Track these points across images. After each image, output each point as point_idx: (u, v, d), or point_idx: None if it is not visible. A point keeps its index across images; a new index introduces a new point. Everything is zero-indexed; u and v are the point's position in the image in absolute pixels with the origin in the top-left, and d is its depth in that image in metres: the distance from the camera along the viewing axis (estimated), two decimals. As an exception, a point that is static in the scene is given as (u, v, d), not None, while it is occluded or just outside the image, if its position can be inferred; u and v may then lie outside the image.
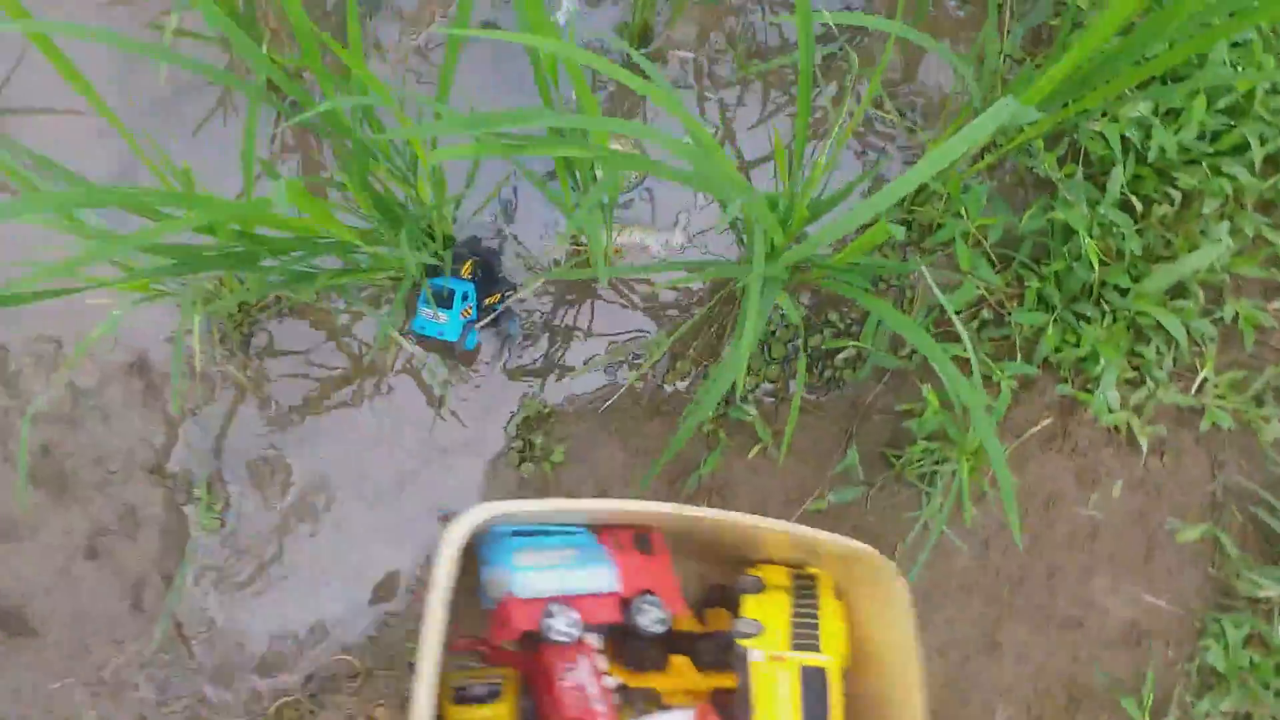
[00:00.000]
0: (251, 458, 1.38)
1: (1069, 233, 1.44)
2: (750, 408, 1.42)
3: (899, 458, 1.42)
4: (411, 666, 1.30)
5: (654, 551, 1.17)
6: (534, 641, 1.09)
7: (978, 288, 1.43)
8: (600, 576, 1.10)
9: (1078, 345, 1.41)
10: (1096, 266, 1.37)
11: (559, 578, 1.08)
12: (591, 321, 1.47)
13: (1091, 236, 1.39)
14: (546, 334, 1.46)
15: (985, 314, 1.47)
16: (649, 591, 1.14)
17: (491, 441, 1.42)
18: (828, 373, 1.46)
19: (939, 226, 1.47)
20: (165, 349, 1.39)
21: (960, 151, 0.83)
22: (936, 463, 1.39)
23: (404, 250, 1.05)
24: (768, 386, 1.46)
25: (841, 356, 1.46)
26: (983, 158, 1.43)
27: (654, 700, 1.15)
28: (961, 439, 1.31)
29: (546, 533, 1.13)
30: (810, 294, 1.50)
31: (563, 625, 1.06)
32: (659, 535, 1.19)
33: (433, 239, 1.31)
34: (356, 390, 1.41)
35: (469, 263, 1.33)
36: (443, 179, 1.23)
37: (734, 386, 1.44)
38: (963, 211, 1.42)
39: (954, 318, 1.18)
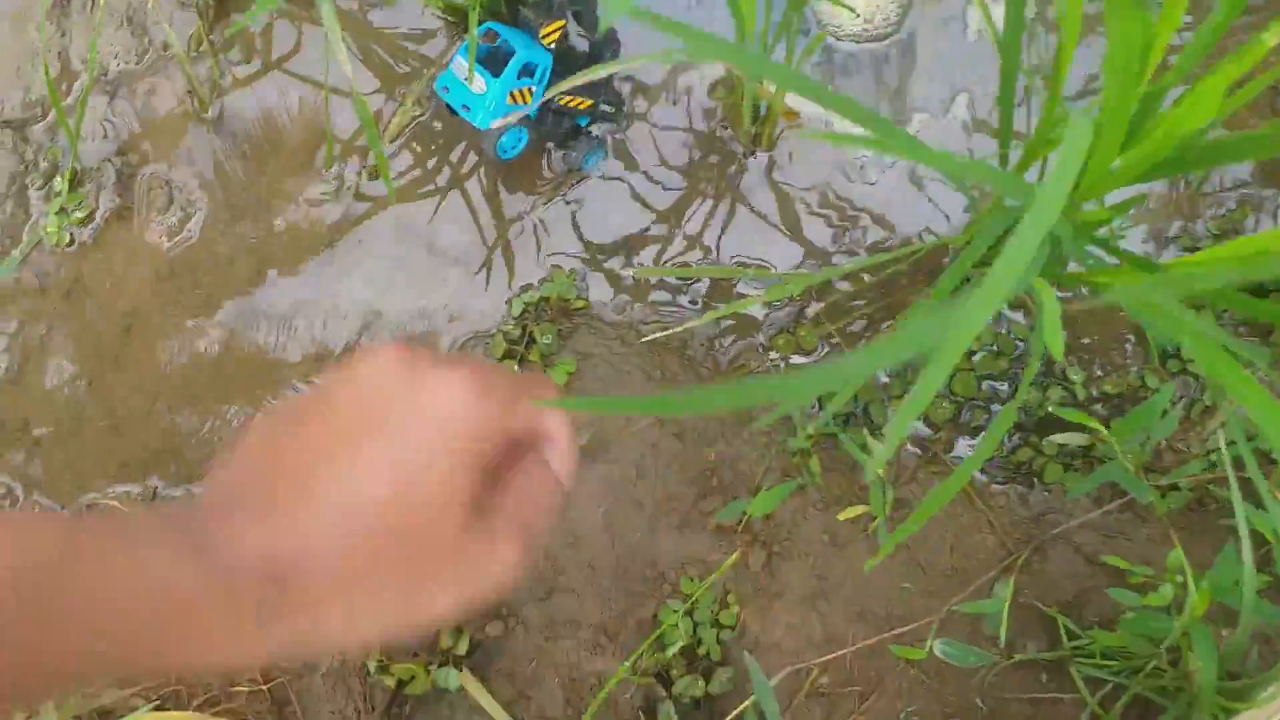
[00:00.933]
0: (154, 173, 0.91)
1: None
2: (881, 446, 0.85)
3: (1074, 637, 0.83)
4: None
5: None
6: None
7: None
8: None
9: None
10: None
11: None
12: (716, 206, 0.92)
13: None
14: (630, 185, 0.92)
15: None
16: None
17: (478, 304, 0.91)
18: (1024, 453, 0.88)
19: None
20: (109, -32, 0.92)
21: None
22: (1132, 676, 0.80)
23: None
24: (922, 429, 0.89)
25: (1058, 439, 0.87)
26: None
27: None
28: (1213, 683, 0.71)
29: None
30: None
31: None
32: None
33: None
34: (329, 148, 0.92)
35: (558, 24, 0.79)
36: None
37: (867, 404, 0.88)
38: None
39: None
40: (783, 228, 0.92)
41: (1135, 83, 0.45)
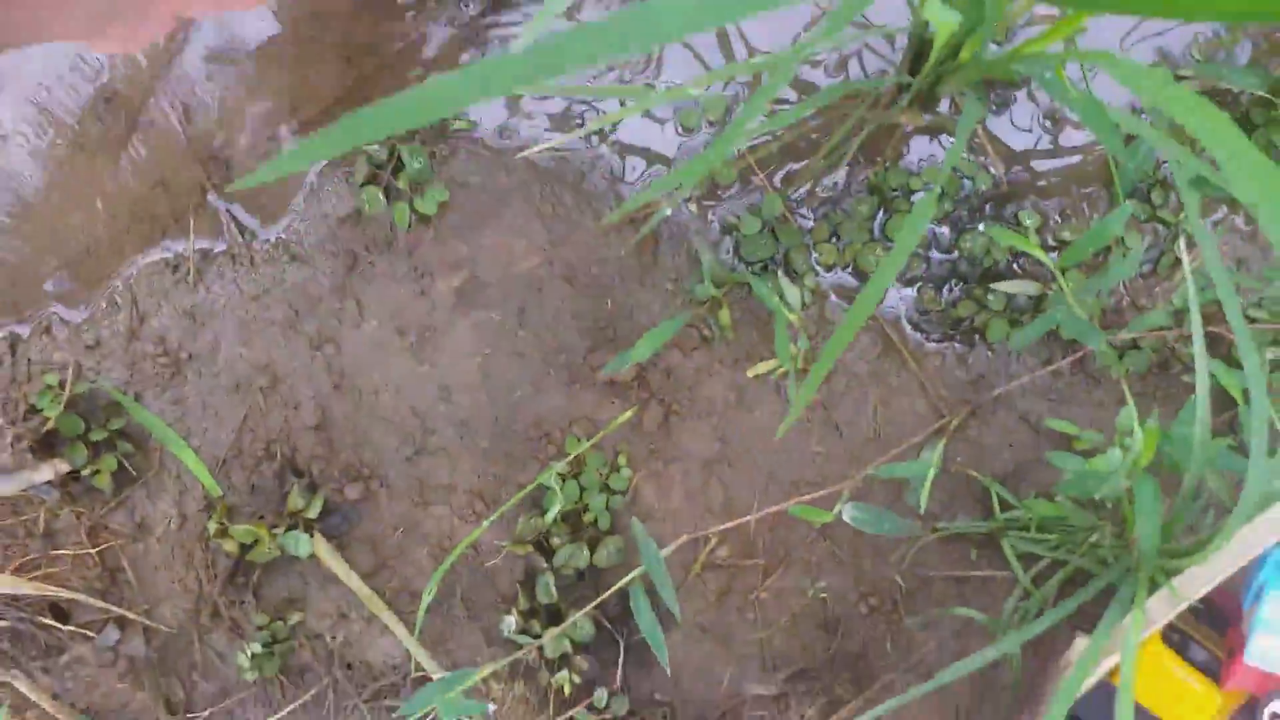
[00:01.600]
0: None
1: None
2: (796, 291, 0.75)
3: (1008, 509, 0.74)
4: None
5: None
6: None
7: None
8: None
9: None
10: None
11: None
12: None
13: None
14: None
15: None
16: None
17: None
18: (965, 306, 0.77)
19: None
20: None
21: None
22: (1069, 549, 0.70)
23: None
24: (849, 280, 0.78)
25: (1005, 288, 0.76)
26: None
27: None
28: (1156, 539, 0.61)
29: None
30: (1005, 156, 0.78)
31: None
32: None
33: None
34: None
35: None
36: None
37: (788, 248, 0.77)
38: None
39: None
40: (699, 47, 0.79)
41: None
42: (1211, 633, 0.62)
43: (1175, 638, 0.61)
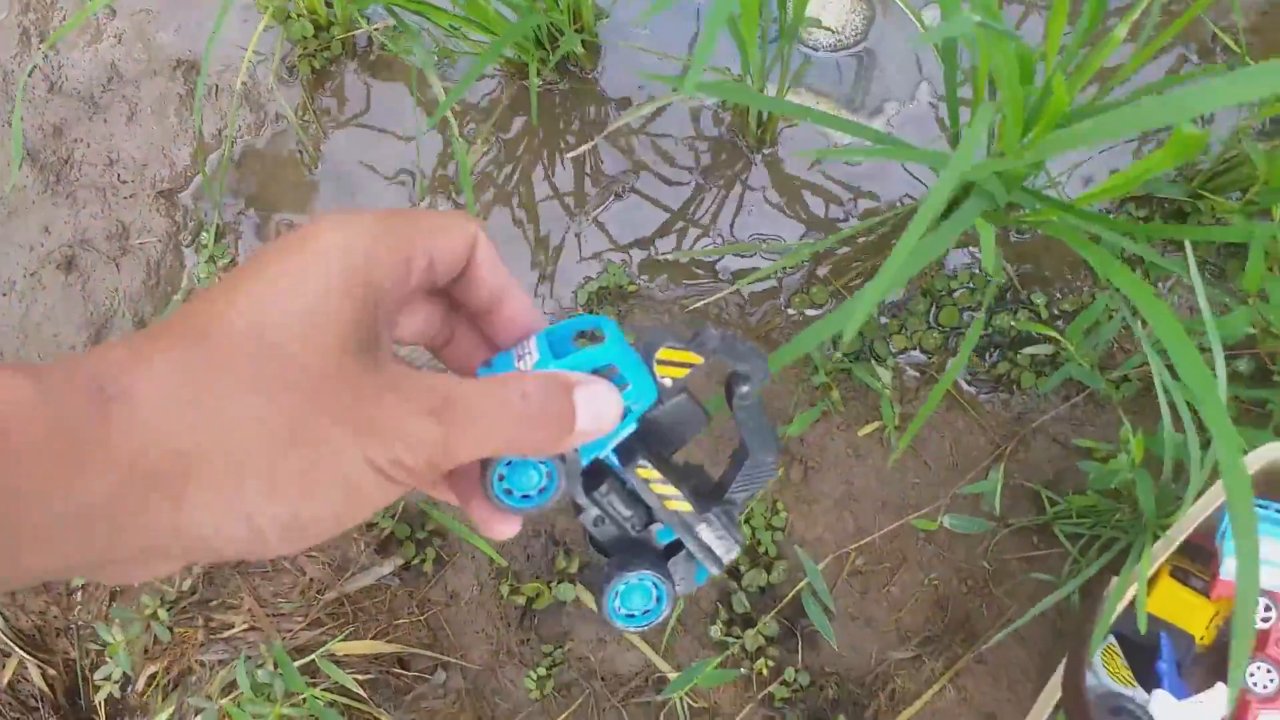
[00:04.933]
0: (278, 219, 1.13)
1: None
2: (885, 372, 1.07)
3: (1054, 503, 1.05)
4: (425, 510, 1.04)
5: None
6: None
7: (1254, 326, 1.02)
8: None
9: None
10: None
11: None
12: (733, 197, 1.13)
13: None
14: (661, 185, 1.13)
15: (1242, 366, 1.05)
16: None
17: (548, 300, 1.12)
18: (1002, 366, 1.09)
19: (1222, 219, 1.05)
20: (224, 58, 1.13)
21: None
22: (1101, 526, 1.01)
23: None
24: (918, 356, 1.10)
25: (1029, 351, 1.08)
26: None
27: None
28: (1153, 508, 0.92)
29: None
30: (1016, 257, 1.11)
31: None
32: None
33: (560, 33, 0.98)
34: (421, 184, 1.13)
35: (689, 357, 0.40)
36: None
37: (871, 341, 1.09)
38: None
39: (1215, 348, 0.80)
40: (790, 208, 1.13)
41: (1020, 90, 0.66)
42: (1203, 567, 0.92)
43: (1180, 574, 0.92)
